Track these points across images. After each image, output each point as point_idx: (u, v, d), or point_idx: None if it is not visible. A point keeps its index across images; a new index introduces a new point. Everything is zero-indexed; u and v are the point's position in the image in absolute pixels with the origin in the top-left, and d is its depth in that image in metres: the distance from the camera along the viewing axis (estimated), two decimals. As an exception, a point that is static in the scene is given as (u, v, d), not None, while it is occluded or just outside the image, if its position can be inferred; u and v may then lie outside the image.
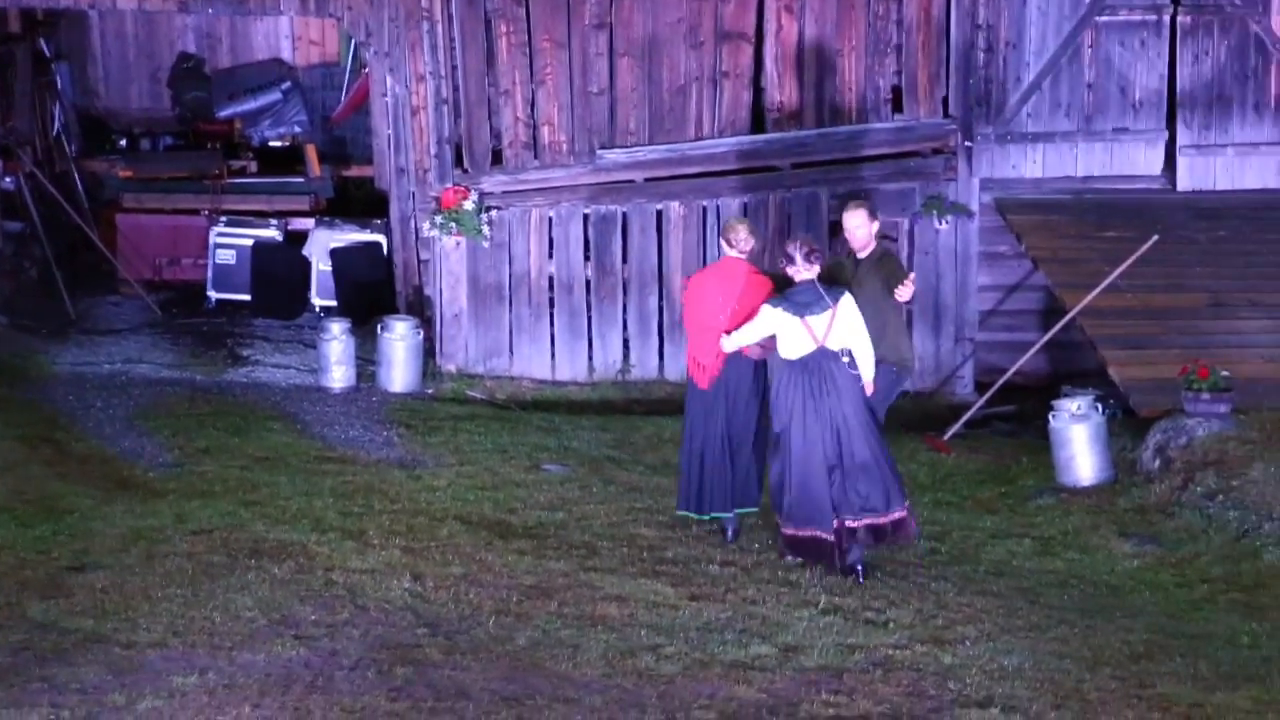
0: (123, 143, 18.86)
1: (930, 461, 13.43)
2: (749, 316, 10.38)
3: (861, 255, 11.08)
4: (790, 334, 10.18)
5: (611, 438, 13.54)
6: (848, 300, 10.24)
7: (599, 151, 15.44)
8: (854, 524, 10.23)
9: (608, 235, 15.53)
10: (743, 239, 10.69)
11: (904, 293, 10.68)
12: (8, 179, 16.85)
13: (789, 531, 10.47)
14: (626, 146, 15.50)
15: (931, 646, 9.00)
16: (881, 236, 11.28)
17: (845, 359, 10.22)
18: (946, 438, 13.96)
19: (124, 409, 13.89)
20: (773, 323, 10.23)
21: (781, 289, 10.34)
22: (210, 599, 9.10)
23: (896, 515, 10.37)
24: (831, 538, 10.23)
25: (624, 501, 11.65)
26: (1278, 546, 10.85)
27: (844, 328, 10.19)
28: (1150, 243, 14.43)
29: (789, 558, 10.50)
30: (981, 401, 14.65)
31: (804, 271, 10.21)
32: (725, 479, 10.77)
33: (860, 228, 11.00)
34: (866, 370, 10.32)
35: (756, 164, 15.64)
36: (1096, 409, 12.73)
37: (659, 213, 15.53)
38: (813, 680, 8.48)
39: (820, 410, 10.19)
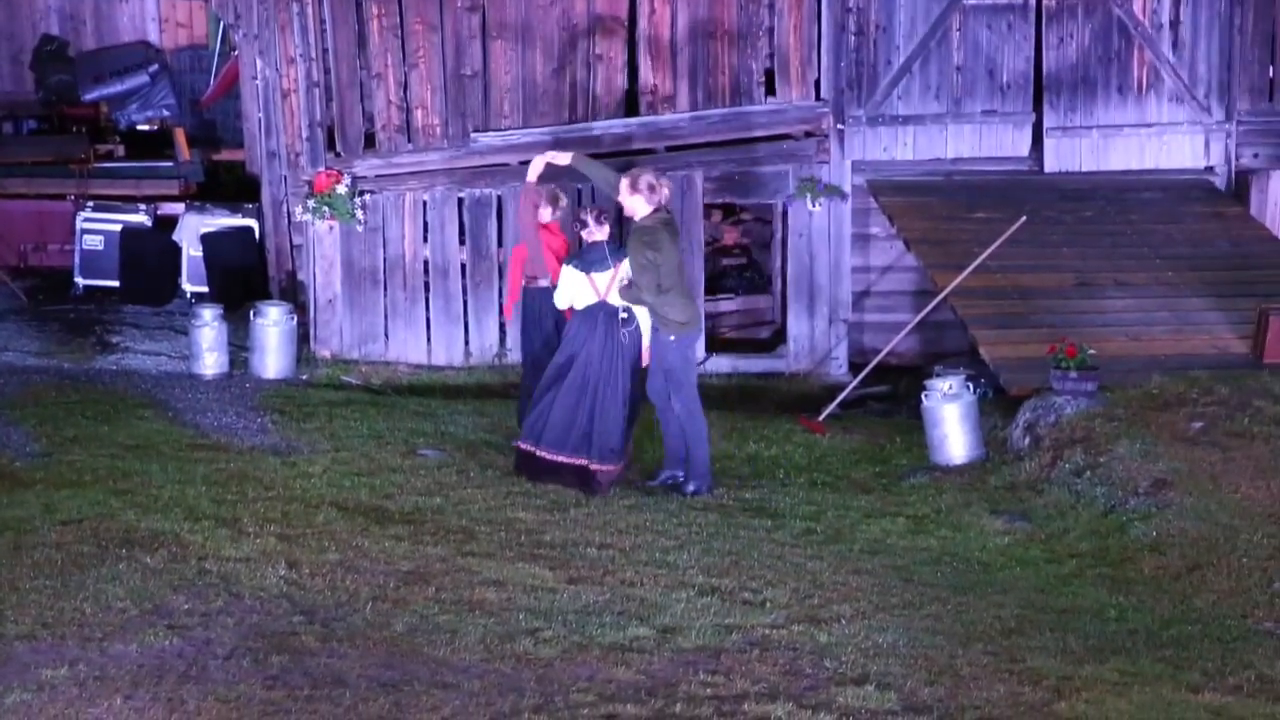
0: (-17, 127, 18.56)
1: (805, 442, 13.51)
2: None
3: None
4: (579, 288, 11.61)
5: (488, 422, 13.49)
6: (626, 262, 11.53)
7: (473, 135, 15.40)
8: (568, 460, 11.61)
9: (483, 219, 15.48)
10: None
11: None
12: None
13: (528, 448, 11.77)
14: (500, 130, 15.46)
15: (808, 625, 9.06)
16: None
17: (624, 314, 11.59)
18: (821, 418, 14.05)
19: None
20: (568, 278, 11.66)
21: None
22: (80, 590, 8.94)
23: (602, 468, 11.66)
24: (569, 462, 11.62)
25: (501, 486, 11.62)
26: (1143, 521, 11.05)
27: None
28: (1019, 224, 14.62)
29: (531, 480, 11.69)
30: (855, 382, 14.76)
31: (595, 233, 11.72)
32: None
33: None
34: (644, 327, 11.70)
35: (631, 147, 15.65)
36: (968, 388, 12.87)
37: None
38: (690, 661, 8.51)
39: (594, 356, 11.59)
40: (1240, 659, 9.00)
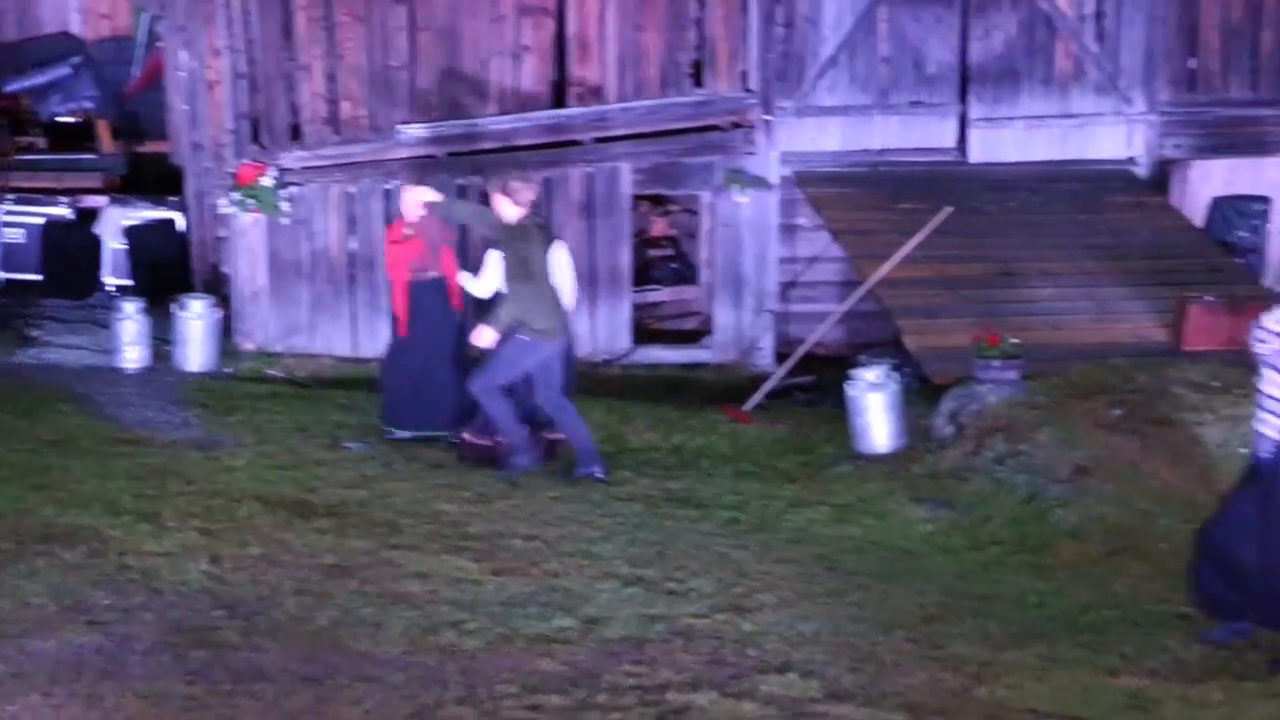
0: (-101, 119, 18.31)
1: (731, 432, 13.55)
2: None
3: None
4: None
5: (414, 415, 13.48)
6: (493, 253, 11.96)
7: (400, 127, 15.33)
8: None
9: (408, 210, 15.42)
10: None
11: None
12: None
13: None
14: (428, 122, 15.40)
15: (731, 615, 9.07)
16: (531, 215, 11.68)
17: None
18: (747, 408, 14.11)
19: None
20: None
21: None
22: (-1, 587, 8.89)
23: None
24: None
25: (427, 478, 11.59)
26: (1063, 508, 11.16)
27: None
28: (943, 214, 14.72)
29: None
30: (781, 372, 14.83)
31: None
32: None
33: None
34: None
35: (560, 138, 15.64)
36: (892, 377, 12.94)
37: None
38: (615, 651, 8.52)
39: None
40: (1157, 643, 9.11)
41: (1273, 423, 8.18)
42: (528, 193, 11.52)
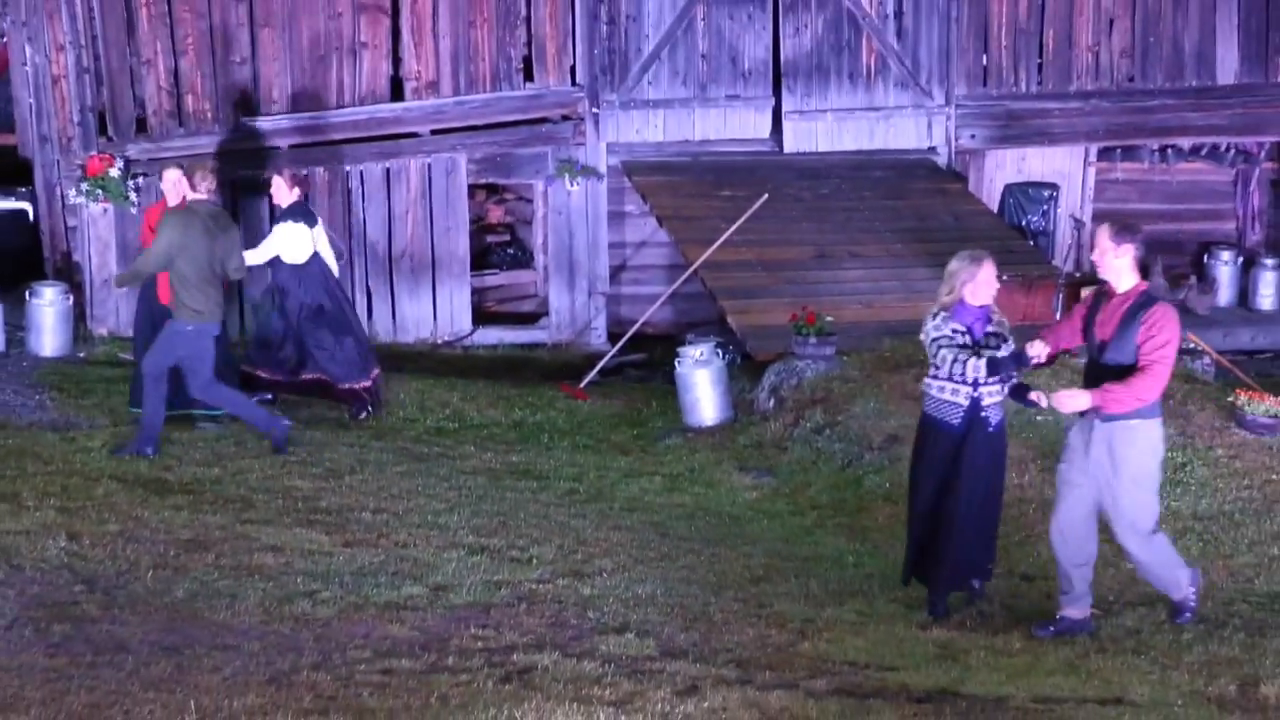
0: None
1: (568, 408, 13.58)
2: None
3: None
4: (304, 241, 12.28)
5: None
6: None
7: (243, 119, 15.11)
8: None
9: (253, 201, 15.20)
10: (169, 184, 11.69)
11: None
12: None
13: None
14: (270, 115, 15.20)
15: (572, 580, 9.12)
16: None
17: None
18: (583, 385, 14.14)
19: None
20: (294, 233, 12.25)
21: None
22: None
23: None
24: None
25: (277, 457, 11.46)
26: (877, 474, 11.34)
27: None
28: (761, 200, 14.86)
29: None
30: (614, 351, 14.89)
31: (291, 196, 12.28)
32: None
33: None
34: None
35: (398, 130, 15.53)
36: (717, 354, 13.06)
37: (304, 177, 15.28)
38: (462, 617, 8.51)
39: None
40: (963, 597, 9.31)
41: (965, 392, 8.47)
42: (181, 181, 11.31)
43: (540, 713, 7.01)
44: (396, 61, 15.60)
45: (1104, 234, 8.21)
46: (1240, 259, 17.95)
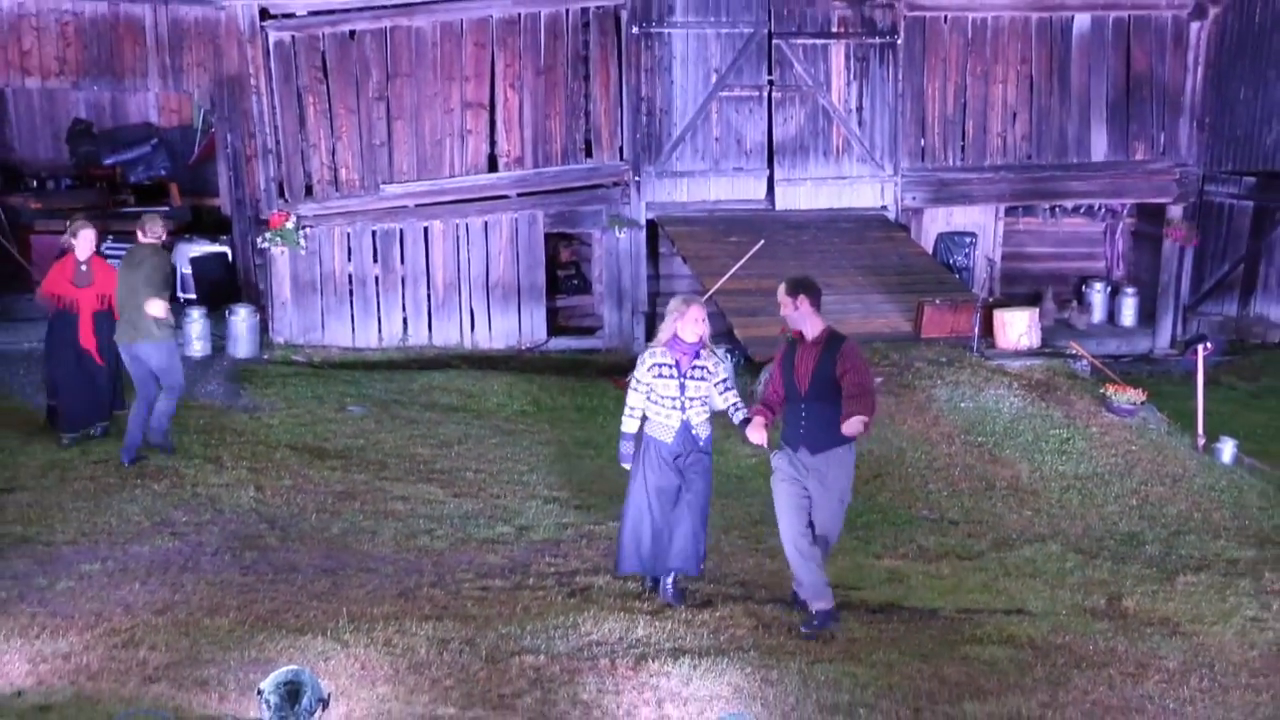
0: (33, 183, 17.80)
1: (617, 397, 13.58)
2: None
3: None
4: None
5: (396, 387, 13.37)
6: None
7: (381, 186, 15.17)
8: None
9: (389, 245, 15.27)
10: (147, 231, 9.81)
11: None
12: (-57, 211, 15.85)
13: None
14: (401, 182, 15.25)
15: (616, 522, 9.15)
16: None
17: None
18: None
19: (38, 376, 13.14)
20: None
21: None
22: (108, 509, 8.73)
23: None
24: None
25: (405, 431, 11.54)
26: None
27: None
28: (758, 245, 14.82)
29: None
30: (650, 354, 14.85)
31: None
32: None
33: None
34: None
35: (493, 194, 15.56)
36: (728, 356, 13.05)
37: (425, 229, 15.35)
38: (539, 549, 8.54)
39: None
40: (908, 536, 9.29)
41: (701, 415, 7.23)
42: (155, 228, 9.79)
43: (596, 620, 7.04)
44: (493, 143, 15.61)
45: (781, 290, 7.16)
46: (1109, 288, 17.95)
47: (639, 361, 7.47)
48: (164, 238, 10.00)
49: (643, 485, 7.39)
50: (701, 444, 7.38)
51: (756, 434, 7.13)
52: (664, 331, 7.39)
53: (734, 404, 7.43)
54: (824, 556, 7.25)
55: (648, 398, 7.34)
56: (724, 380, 7.44)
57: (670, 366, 7.28)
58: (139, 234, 9.91)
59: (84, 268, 10.12)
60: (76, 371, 10.21)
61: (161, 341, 9.66)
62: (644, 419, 7.45)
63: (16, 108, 19.05)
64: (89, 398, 10.26)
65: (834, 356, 7.14)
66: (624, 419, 7.47)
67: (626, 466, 7.50)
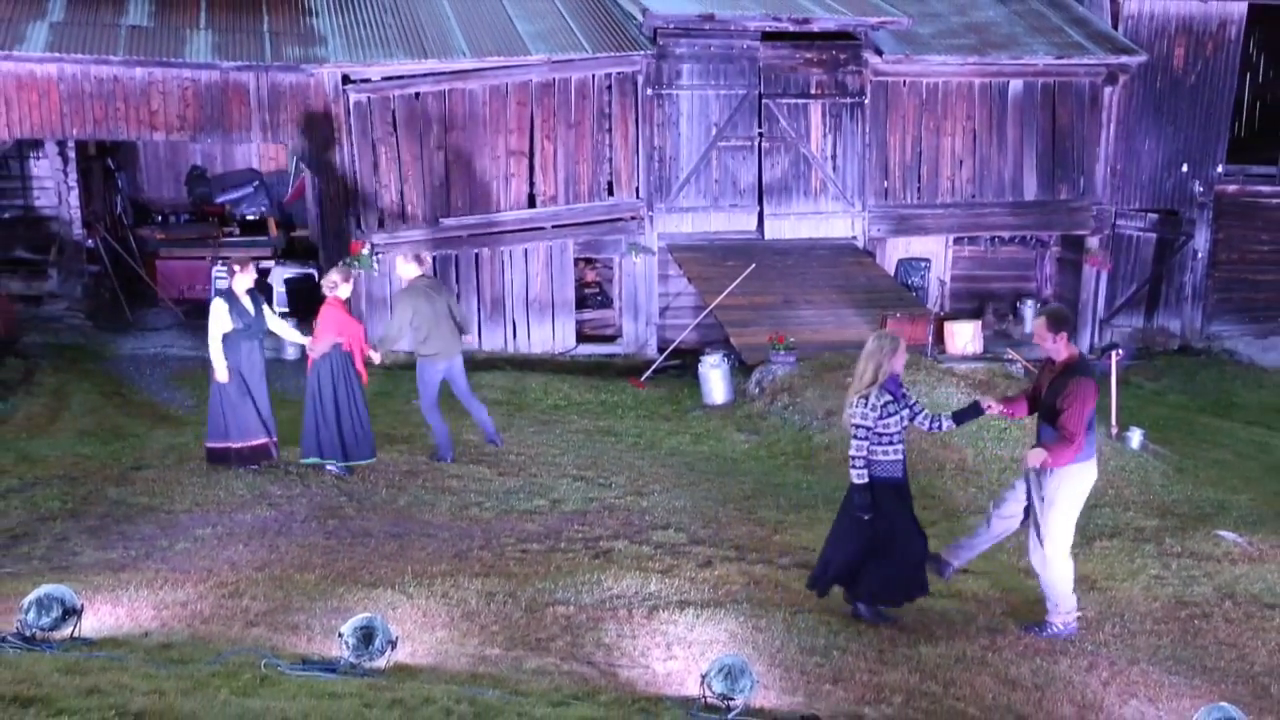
0: (159, 218, 18.04)
1: (633, 393, 13.61)
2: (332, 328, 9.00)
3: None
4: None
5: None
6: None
7: (441, 220, 15.19)
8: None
9: (447, 267, 15.28)
10: (330, 284, 9.05)
11: None
12: (90, 240, 16.08)
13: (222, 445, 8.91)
14: (457, 216, 15.27)
15: (635, 497, 9.15)
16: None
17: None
18: (643, 379, 14.14)
19: (163, 375, 13.22)
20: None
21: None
22: (218, 484, 8.76)
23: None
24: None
25: (459, 421, 11.32)
26: (821, 434, 11.29)
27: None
28: (750, 268, 14.79)
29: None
30: (661, 359, 14.86)
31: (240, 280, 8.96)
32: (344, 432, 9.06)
33: None
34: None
35: (532, 226, 15.57)
36: (725, 360, 13.04)
37: (476, 254, 15.36)
38: (569, 518, 8.55)
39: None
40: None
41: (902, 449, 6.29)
42: (339, 277, 9.01)
43: (616, 577, 7.03)
44: (532, 184, 15.61)
45: (1041, 324, 6.30)
46: (1039, 304, 17.84)
47: (854, 414, 6.20)
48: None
49: (890, 528, 6.31)
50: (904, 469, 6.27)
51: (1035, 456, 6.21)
52: (868, 373, 6.20)
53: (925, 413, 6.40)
54: (1042, 564, 6.43)
55: (875, 441, 6.21)
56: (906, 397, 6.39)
57: (893, 401, 6.19)
58: (410, 265, 8.91)
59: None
60: (351, 405, 8.95)
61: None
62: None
63: (146, 157, 19.31)
64: (365, 431, 9.07)
65: (1061, 388, 6.22)
66: (855, 472, 6.24)
67: (867, 518, 6.28)
